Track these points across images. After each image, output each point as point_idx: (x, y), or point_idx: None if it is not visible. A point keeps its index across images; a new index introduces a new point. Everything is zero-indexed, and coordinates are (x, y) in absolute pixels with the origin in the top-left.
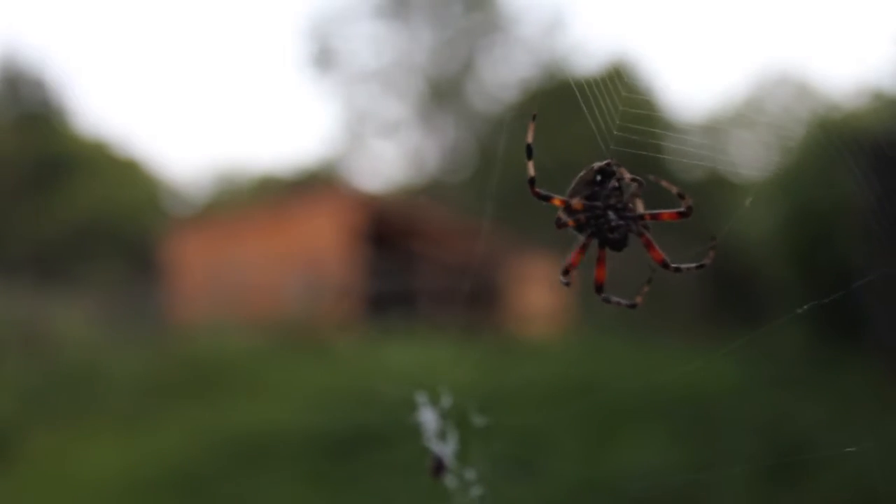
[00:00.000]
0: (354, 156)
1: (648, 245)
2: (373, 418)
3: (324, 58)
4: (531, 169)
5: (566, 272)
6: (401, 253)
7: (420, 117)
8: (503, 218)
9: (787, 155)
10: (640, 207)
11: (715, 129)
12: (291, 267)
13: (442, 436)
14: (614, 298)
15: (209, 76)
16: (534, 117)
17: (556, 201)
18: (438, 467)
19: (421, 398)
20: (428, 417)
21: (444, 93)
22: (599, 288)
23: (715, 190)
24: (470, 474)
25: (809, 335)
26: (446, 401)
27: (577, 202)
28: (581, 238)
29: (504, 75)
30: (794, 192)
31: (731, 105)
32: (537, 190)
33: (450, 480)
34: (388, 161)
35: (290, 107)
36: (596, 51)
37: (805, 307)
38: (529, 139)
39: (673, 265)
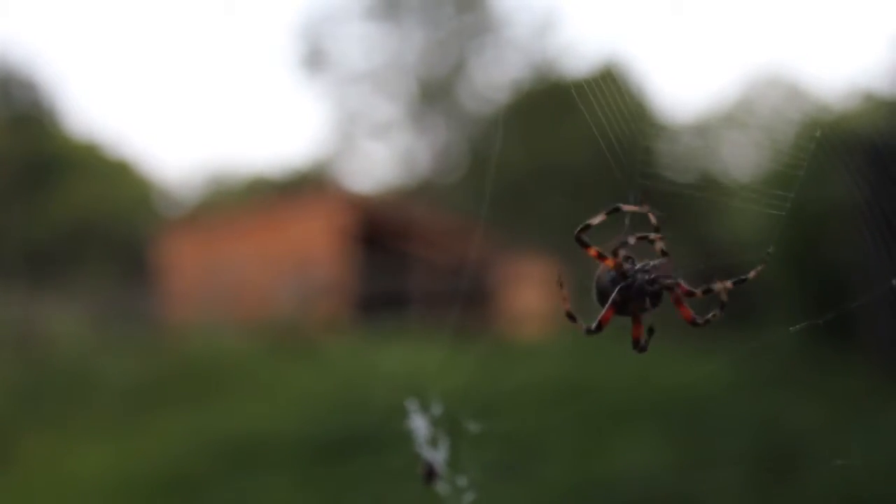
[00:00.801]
0: (346, 157)
1: (678, 302)
2: (364, 422)
3: (315, 59)
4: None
5: (598, 326)
6: (392, 254)
7: (411, 118)
8: (495, 218)
9: (779, 156)
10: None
11: (706, 130)
12: (283, 268)
13: (433, 442)
14: (647, 344)
15: (200, 77)
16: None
17: (592, 252)
18: (430, 474)
19: (412, 405)
20: (419, 424)
21: (435, 94)
22: (636, 343)
23: (707, 191)
24: (462, 481)
25: (803, 335)
26: (437, 407)
27: (609, 260)
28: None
29: (495, 76)
30: (786, 194)
31: (723, 106)
32: (581, 236)
33: (441, 487)
34: (380, 162)
35: (281, 108)
36: (587, 52)
37: (800, 325)
38: (595, 221)
39: (701, 319)
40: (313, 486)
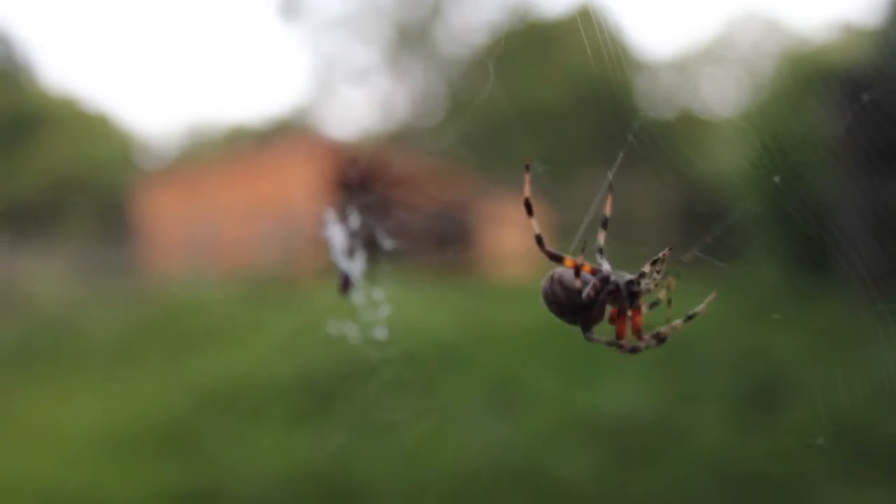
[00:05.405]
0: (325, 104)
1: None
2: (344, 359)
3: (291, 5)
4: (535, 226)
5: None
6: (374, 199)
7: (389, 63)
8: (475, 160)
9: (758, 90)
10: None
11: (685, 66)
12: (265, 217)
13: (350, 254)
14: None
15: (176, 28)
16: (527, 167)
17: (568, 262)
18: (346, 283)
19: (329, 216)
20: (335, 233)
21: (412, 37)
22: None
23: (686, 128)
24: (378, 294)
25: (784, 268)
26: (354, 221)
27: (588, 266)
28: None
29: (472, 18)
30: (765, 127)
31: (701, 42)
32: (548, 249)
33: (357, 296)
34: (359, 108)
35: (258, 56)
36: None
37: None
38: (527, 193)
39: (642, 345)
40: (301, 426)
